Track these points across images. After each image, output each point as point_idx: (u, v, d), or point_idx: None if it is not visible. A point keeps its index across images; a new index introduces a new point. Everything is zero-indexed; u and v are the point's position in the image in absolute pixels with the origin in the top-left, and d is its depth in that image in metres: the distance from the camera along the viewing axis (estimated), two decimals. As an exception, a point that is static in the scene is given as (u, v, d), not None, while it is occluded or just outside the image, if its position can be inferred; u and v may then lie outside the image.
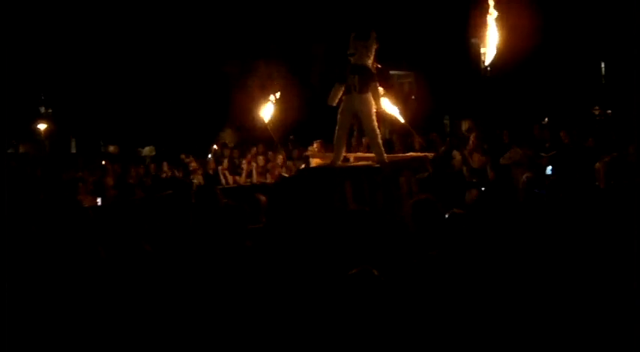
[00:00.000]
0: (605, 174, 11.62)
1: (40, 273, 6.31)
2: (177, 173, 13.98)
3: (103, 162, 14.89)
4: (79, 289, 5.90)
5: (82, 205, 10.77)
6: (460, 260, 5.44)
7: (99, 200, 10.95)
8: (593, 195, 8.11)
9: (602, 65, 31.08)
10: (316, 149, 12.55)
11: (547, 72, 27.10)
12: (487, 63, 9.98)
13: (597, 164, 11.94)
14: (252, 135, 16.51)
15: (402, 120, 10.99)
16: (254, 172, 14.31)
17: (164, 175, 13.58)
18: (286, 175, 11.94)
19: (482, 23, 9.46)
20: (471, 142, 12.34)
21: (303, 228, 6.66)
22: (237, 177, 14.51)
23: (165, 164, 13.80)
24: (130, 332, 5.51)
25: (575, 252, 5.82)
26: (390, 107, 10.68)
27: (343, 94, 10.18)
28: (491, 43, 9.65)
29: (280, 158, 14.35)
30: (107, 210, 10.59)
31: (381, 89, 10.18)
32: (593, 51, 29.41)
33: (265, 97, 11.97)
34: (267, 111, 11.83)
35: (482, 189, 9.11)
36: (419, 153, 11.05)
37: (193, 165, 14.27)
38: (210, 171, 14.43)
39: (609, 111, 26.42)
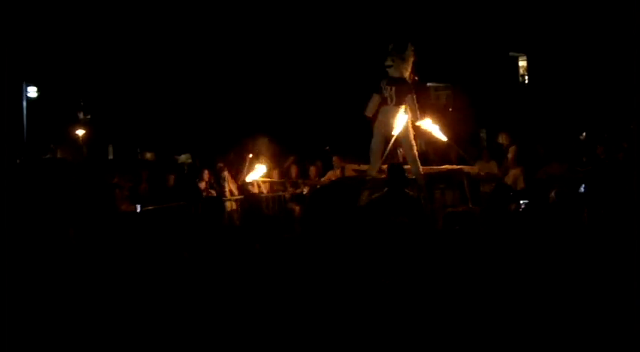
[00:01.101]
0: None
1: (76, 275, 6.40)
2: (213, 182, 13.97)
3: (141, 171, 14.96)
4: (116, 291, 5.99)
5: (120, 211, 10.85)
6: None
7: (138, 207, 11.00)
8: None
9: (643, 80, 30.70)
10: (335, 164, 12.52)
11: (586, 87, 26.91)
12: None
13: None
14: (286, 145, 16.52)
15: (444, 138, 10.95)
16: (286, 182, 14.22)
17: (204, 183, 13.56)
18: (318, 186, 11.88)
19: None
20: (509, 156, 12.22)
21: (338, 237, 6.68)
22: (270, 185, 14.43)
23: (206, 172, 13.81)
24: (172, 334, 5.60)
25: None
26: (430, 126, 10.63)
27: (380, 106, 10.18)
28: None
29: (313, 169, 14.27)
30: (145, 216, 10.65)
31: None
32: (632, 65, 29.14)
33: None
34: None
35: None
36: (455, 166, 10.99)
37: (225, 174, 14.25)
38: (244, 180, 14.39)
39: (648, 126, 26.04)
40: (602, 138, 16.46)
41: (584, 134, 20.90)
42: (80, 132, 24.68)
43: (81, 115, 27.58)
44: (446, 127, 10.99)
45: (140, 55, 24.98)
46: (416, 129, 10.45)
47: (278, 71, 24.58)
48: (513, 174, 11.72)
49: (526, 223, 7.34)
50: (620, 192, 10.97)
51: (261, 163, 12.83)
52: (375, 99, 10.22)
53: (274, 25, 24.46)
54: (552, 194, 8.32)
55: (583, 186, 11.92)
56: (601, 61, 27.66)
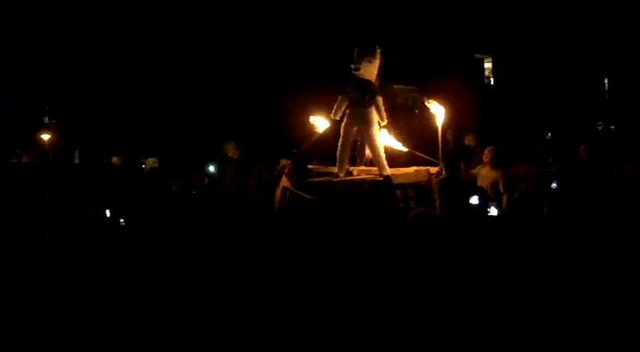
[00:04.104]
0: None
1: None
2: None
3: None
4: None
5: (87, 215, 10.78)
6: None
7: (107, 212, 10.90)
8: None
9: (606, 81, 31.15)
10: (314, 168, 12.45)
11: (551, 88, 27.19)
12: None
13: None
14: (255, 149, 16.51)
15: (405, 149, 11.03)
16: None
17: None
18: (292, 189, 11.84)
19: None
20: (485, 157, 12.23)
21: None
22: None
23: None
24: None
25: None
26: (387, 138, 10.71)
27: (347, 108, 10.22)
28: None
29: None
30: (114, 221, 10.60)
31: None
32: (596, 67, 29.49)
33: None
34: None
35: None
36: (421, 168, 11.03)
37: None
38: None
39: (612, 126, 26.46)
40: (568, 139, 16.64)
41: (549, 134, 21.11)
42: (46, 136, 24.46)
43: (46, 120, 27.36)
44: (412, 129, 11.05)
45: (105, 59, 24.84)
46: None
47: (244, 75, 24.56)
48: (491, 177, 11.73)
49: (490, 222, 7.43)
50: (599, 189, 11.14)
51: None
52: (342, 101, 10.25)
53: (240, 29, 24.45)
54: (515, 196, 8.42)
55: (555, 183, 12.03)
56: (565, 63, 27.96)
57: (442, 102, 11.02)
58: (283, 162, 12.09)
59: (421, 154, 11.22)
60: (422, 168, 10.94)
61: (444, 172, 10.48)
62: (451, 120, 11.54)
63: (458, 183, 10.24)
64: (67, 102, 26.30)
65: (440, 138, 10.93)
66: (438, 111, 10.88)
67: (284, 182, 11.03)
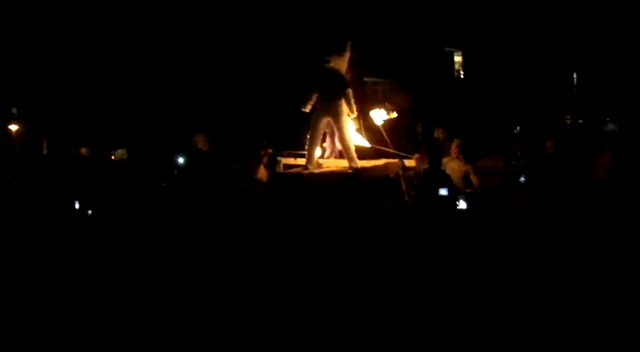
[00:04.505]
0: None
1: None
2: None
3: None
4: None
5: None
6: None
7: (76, 204, 10.85)
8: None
9: (574, 75, 31.37)
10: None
11: (520, 82, 27.34)
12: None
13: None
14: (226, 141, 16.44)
15: (368, 145, 11.03)
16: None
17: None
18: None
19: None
20: (452, 150, 12.31)
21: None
22: None
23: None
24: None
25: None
26: (353, 133, 10.71)
27: (317, 101, 10.22)
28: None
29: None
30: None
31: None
32: (565, 62, 29.69)
33: None
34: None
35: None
36: (392, 160, 11.05)
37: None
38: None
39: (580, 120, 26.67)
40: (536, 132, 16.76)
41: (517, 128, 21.24)
42: (14, 127, 24.23)
43: (14, 110, 27.08)
44: (383, 121, 11.05)
45: (73, 48, 24.63)
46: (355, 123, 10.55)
47: (213, 66, 24.48)
48: (461, 170, 11.80)
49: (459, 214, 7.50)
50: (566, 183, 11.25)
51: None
52: (312, 94, 10.26)
53: (209, 20, 24.36)
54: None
55: (523, 177, 12.15)
56: (534, 57, 28.14)
57: (410, 96, 11.08)
58: (262, 152, 12.13)
59: (383, 148, 11.22)
60: (393, 160, 10.97)
61: (425, 164, 10.54)
62: (421, 113, 11.60)
63: (439, 175, 10.33)
64: (34, 92, 26.05)
65: (387, 139, 10.91)
66: (376, 116, 10.84)
67: (261, 172, 11.05)
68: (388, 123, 11.03)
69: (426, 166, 10.55)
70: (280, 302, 5.66)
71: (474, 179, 11.67)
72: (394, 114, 10.70)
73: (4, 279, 6.36)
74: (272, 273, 5.97)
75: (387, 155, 11.53)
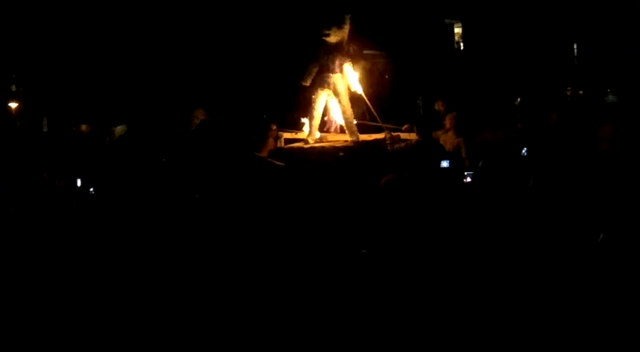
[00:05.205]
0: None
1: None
2: None
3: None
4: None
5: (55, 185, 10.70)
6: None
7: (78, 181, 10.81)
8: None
9: (575, 46, 31.25)
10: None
11: (520, 53, 27.24)
12: None
13: None
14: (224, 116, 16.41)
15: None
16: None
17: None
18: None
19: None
20: (447, 123, 12.27)
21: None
22: None
23: None
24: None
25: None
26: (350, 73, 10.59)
27: (317, 74, 10.21)
28: None
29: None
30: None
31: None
32: (566, 33, 29.58)
33: None
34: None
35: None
36: (392, 133, 11.02)
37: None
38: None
39: (581, 91, 26.58)
40: (537, 104, 16.69)
41: (518, 100, 21.16)
42: (13, 105, 24.21)
43: (13, 88, 27.02)
44: (383, 95, 11.04)
45: (72, 25, 24.54)
46: (353, 97, 10.52)
47: (213, 41, 24.39)
48: (453, 143, 11.77)
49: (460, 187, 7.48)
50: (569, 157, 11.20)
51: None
52: (312, 67, 10.24)
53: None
54: (480, 163, 8.48)
55: (525, 150, 12.09)
56: (534, 29, 28.01)
57: (410, 69, 11.03)
58: (274, 127, 12.09)
59: (370, 123, 11.20)
60: (393, 133, 10.95)
61: (416, 136, 10.51)
62: (421, 86, 11.57)
63: (433, 146, 10.29)
64: (34, 69, 25.98)
65: (368, 103, 10.85)
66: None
67: (269, 147, 11.06)
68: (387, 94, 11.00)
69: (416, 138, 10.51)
70: (283, 286, 5.64)
71: (463, 153, 11.63)
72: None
73: (3, 259, 6.34)
74: (276, 253, 5.96)
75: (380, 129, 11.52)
